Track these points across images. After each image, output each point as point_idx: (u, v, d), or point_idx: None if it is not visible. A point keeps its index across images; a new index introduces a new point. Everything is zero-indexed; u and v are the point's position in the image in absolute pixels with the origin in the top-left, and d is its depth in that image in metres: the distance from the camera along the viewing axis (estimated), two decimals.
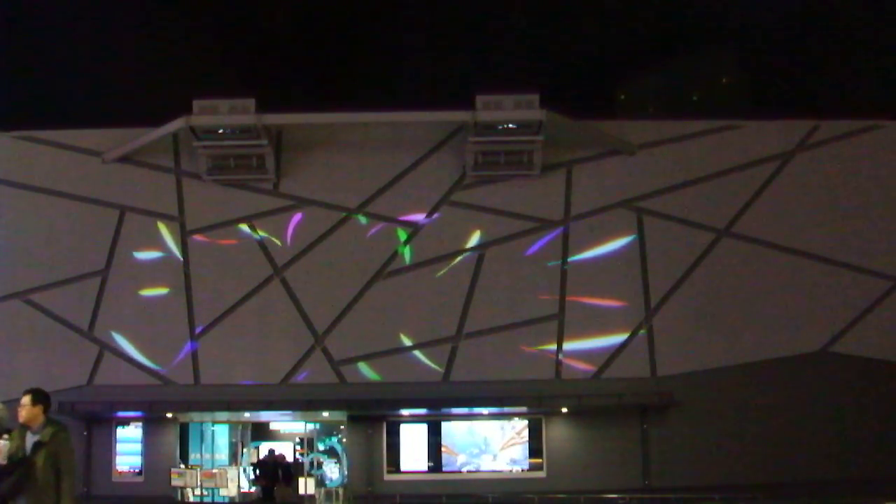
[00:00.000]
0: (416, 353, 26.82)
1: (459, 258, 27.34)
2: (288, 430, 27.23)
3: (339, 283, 27.09)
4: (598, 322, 26.96)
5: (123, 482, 26.71)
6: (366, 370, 26.77)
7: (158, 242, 27.43)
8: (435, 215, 27.58)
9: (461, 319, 27.01)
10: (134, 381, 26.54)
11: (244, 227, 27.52)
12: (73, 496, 7.74)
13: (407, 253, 27.35)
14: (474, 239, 27.43)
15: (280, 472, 23.06)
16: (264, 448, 26.89)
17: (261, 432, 27.10)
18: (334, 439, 26.84)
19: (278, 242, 27.39)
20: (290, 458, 25.59)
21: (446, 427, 27.30)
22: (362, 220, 27.52)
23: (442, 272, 27.26)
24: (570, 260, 27.31)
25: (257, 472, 23.56)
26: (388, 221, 27.45)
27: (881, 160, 28.04)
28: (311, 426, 26.97)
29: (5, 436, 7.86)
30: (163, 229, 27.48)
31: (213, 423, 26.78)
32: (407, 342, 26.84)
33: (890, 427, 25.80)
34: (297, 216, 27.56)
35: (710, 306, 27.06)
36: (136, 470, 26.97)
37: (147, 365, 26.74)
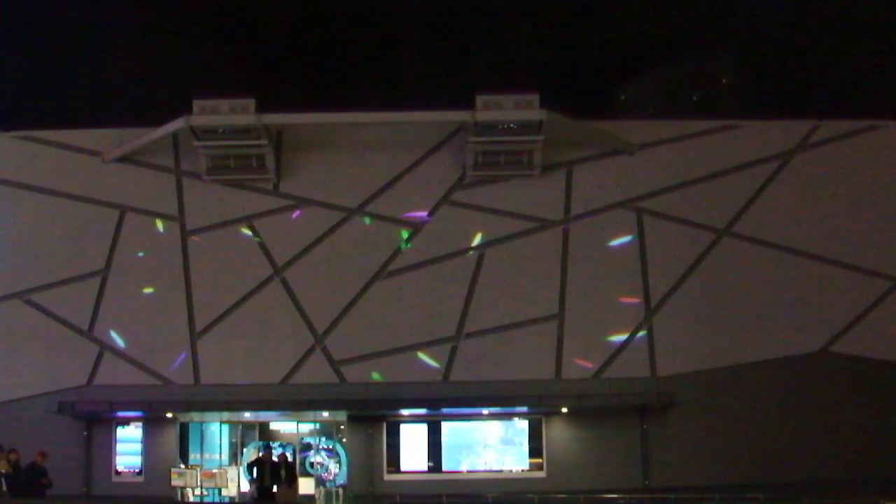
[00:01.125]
0: (416, 353, 26.81)
1: (471, 252, 27.24)
2: (288, 431, 27.25)
3: (339, 283, 27.09)
4: (597, 322, 26.96)
5: (123, 482, 26.72)
6: (366, 370, 26.73)
7: (158, 242, 27.43)
8: (435, 215, 27.57)
9: (461, 319, 27.01)
10: (134, 381, 26.54)
11: (244, 228, 27.51)
12: None
13: (409, 246, 27.31)
14: (474, 239, 27.43)
15: (283, 473, 22.93)
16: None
17: (267, 433, 27.08)
18: (330, 441, 26.83)
19: (278, 242, 27.37)
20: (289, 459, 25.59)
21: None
22: (366, 220, 27.49)
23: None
24: (570, 260, 27.33)
25: (254, 471, 23.43)
26: (389, 221, 27.45)
27: (881, 160, 28.04)
28: (301, 426, 26.94)
29: None
30: (163, 229, 27.47)
31: (222, 422, 26.79)
32: (407, 342, 26.82)
33: (890, 427, 25.82)
34: (297, 215, 27.55)
35: (710, 306, 27.06)
36: (136, 470, 26.98)
37: (147, 365, 26.72)
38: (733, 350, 26.78)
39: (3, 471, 18.42)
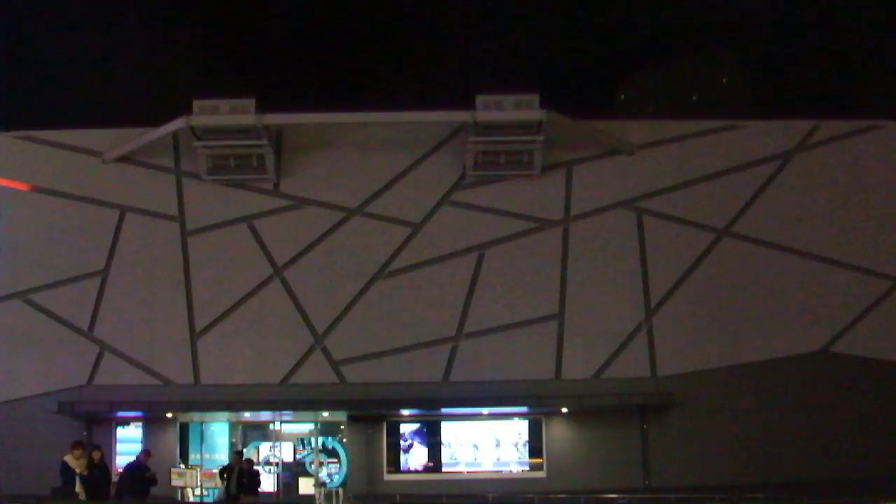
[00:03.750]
0: (416, 352, 26.79)
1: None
2: (288, 431, 27.29)
3: (339, 283, 27.08)
4: (598, 322, 26.95)
5: None
6: (367, 371, 26.70)
7: (158, 242, 27.41)
8: (435, 215, 27.54)
9: (461, 319, 27.00)
10: (134, 381, 26.52)
11: (244, 227, 27.50)
12: None
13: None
14: (474, 239, 27.41)
15: (245, 480, 22.60)
16: (264, 448, 26.98)
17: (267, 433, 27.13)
18: (330, 441, 26.87)
19: (278, 242, 27.36)
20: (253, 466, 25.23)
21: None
22: (369, 220, 27.40)
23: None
24: (570, 260, 27.32)
25: (224, 476, 23.27)
26: (389, 221, 27.44)
27: (881, 160, 28.03)
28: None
29: None
30: (163, 229, 27.45)
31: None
32: (407, 342, 26.81)
33: (890, 427, 25.80)
34: (297, 216, 27.53)
35: (710, 306, 27.06)
36: None
37: (147, 365, 26.71)
38: (733, 350, 26.78)
39: (78, 471, 17.90)
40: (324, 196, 27.55)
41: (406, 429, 27.38)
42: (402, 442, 27.25)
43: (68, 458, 17.98)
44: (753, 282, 27.21)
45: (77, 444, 18.60)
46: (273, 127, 27.06)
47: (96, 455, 18.71)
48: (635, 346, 26.91)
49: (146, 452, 21.57)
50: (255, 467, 23.76)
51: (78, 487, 17.79)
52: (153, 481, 20.78)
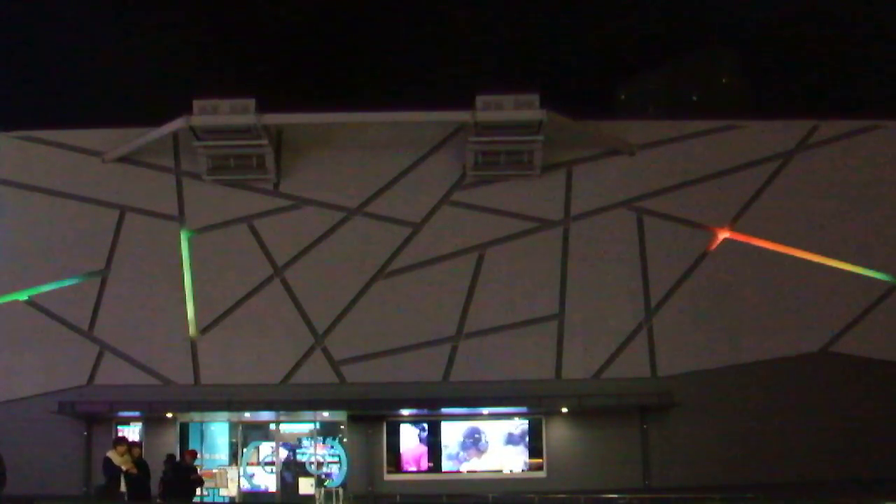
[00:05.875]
0: (416, 352, 26.80)
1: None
2: (287, 431, 27.31)
3: (339, 283, 27.08)
4: (597, 322, 26.96)
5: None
6: (366, 371, 26.71)
7: (158, 242, 27.41)
8: (435, 215, 27.55)
9: (461, 319, 27.01)
10: (134, 381, 26.53)
11: (244, 227, 27.50)
12: None
13: None
14: (474, 239, 27.41)
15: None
16: (266, 447, 26.97)
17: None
18: (331, 441, 26.88)
19: (278, 242, 27.37)
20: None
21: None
22: (369, 221, 27.40)
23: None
24: (570, 260, 27.33)
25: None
26: (389, 221, 27.45)
27: (881, 160, 28.04)
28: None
29: None
30: (163, 229, 27.45)
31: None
32: (407, 342, 26.82)
33: (890, 427, 25.81)
34: (297, 216, 27.54)
35: (710, 306, 27.06)
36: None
37: (147, 365, 26.71)
38: (733, 350, 26.79)
39: (124, 469, 17.40)
40: (324, 196, 27.55)
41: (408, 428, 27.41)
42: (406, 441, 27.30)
43: (112, 455, 17.46)
44: (753, 282, 27.22)
45: (121, 441, 18.16)
46: (273, 127, 27.06)
47: (135, 452, 18.37)
48: (635, 346, 26.92)
49: (192, 453, 21.46)
50: (195, 475, 23.18)
51: (122, 485, 17.37)
52: (199, 482, 20.59)
